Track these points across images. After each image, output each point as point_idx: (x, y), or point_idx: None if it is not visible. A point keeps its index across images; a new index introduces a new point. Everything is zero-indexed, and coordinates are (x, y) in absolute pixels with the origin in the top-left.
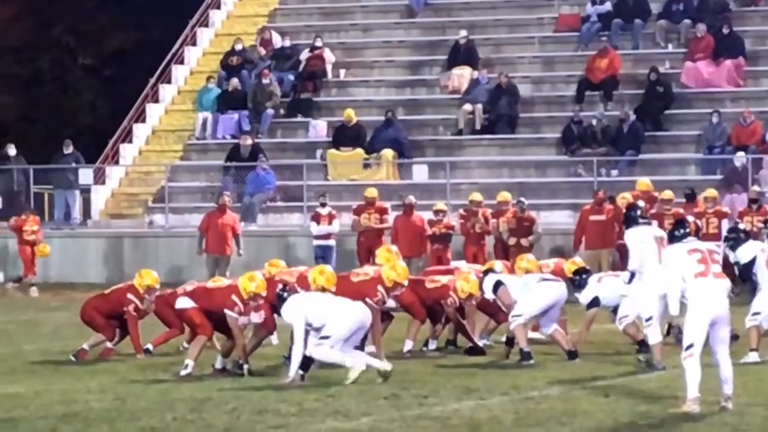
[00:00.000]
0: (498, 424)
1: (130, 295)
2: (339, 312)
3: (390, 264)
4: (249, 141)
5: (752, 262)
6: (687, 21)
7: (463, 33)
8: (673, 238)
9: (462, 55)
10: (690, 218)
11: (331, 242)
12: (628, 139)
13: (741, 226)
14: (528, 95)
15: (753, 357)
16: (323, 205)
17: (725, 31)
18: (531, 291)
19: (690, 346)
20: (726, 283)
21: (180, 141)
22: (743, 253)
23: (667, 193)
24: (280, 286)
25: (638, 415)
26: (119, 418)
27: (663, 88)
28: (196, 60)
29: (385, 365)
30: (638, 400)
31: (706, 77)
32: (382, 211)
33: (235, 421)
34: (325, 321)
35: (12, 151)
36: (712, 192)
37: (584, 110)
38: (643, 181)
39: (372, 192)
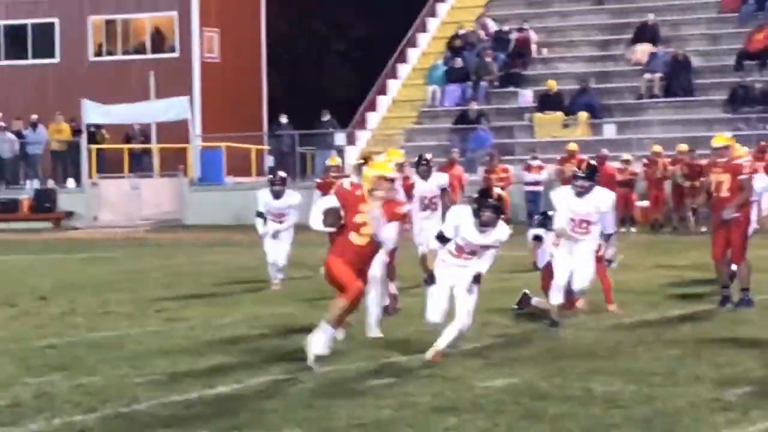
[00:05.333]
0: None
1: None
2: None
3: None
4: (475, 107)
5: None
6: None
7: (651, 16)
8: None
9: (646, 33)
10: None
11: (540, 188)
12: None
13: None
14: (698, 65)
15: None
16: (534, 158)
17: None
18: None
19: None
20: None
21: (414, 109)
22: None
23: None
24: None
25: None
26: None
27: None
28: (426, 43)
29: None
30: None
31: None
32: (582, 162)
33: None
34: None
35: (284, 119)
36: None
37: (742, 77)
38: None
39: (573, 146)
